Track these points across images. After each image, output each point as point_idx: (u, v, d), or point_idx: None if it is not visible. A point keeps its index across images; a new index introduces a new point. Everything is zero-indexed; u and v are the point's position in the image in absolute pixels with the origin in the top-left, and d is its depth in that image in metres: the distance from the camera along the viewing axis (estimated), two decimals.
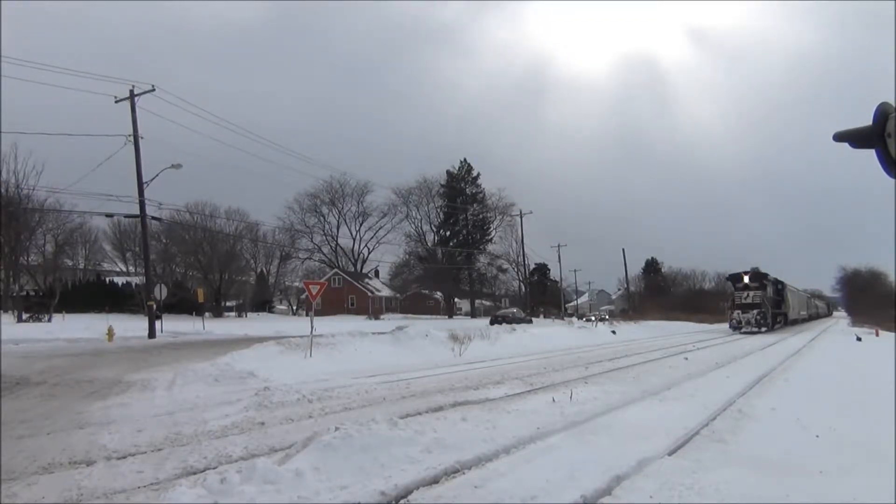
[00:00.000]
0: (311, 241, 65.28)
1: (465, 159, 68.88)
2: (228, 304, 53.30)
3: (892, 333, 29.08)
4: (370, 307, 59.59)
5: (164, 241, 46.68)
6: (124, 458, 5.07)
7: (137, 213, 25.07)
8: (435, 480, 4.35)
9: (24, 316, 31.03)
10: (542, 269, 72.41)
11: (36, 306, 33.00)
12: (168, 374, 10.47)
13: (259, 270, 59.82)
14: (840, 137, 2.46)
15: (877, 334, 29.01)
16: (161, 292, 26.35)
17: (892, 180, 2.31)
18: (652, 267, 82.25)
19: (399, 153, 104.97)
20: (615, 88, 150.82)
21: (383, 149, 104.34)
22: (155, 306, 24.58)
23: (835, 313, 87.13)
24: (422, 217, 68.16)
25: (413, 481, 4.23)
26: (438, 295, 69.95)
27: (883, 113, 2.33)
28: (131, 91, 23.94)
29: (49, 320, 30.70)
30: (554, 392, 8.70)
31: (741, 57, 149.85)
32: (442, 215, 67.84)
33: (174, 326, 27.70)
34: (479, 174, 68.70)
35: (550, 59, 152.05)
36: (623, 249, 68.06)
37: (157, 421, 6.67)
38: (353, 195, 65.22)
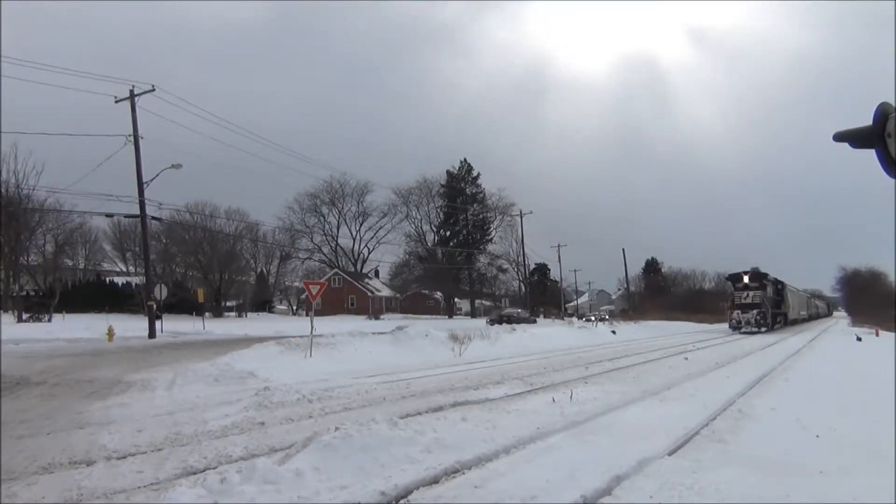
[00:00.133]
0: (311, 241, 65.43)
1: (465, 159, 69.08)
2: (228, 304, 53.31)
3: (892, 333, 29.08)
4: (370, 307, 59.60)
5: (164, 241, 46.70)
6: (124, 458, 5.07)
7: (137, 213, 25.08)
8: (435, 480, 4.35)
9: (24, 316, 31.04)
10: (542, 269, 72.44)
11: (36, 306, 33.00)
12: (168, 374, 10.47)
13: (259, 270, 59.85)
14: (840, 137, 2.46)
15: (877, 334, 29.01)
16: (161, 292, 26.35)
17: (892, 180, 2.31)
18: (652, 267, 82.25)
19: (399, 153, 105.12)
20: (615, 88, 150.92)
21: (383, 149, 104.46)
22: (155, 306, 24.58)
23: (835, 313, 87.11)
24: (422, 217, 68.35)
25: (413, 481, 4.23)
26: (438, 295, 69.97)
27: (883, 113, 2.33)
28: (131, 91, 23.94)
29: (49, 320, 30.71)
30: (554, 392, 8.70)
31: (741, 57, 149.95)
32: (442, 215, 67.95)
33: (174, 326, 27.71)
34: (479, 174, 68.90)
35: (550, 59, 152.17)
36: (623, 249, 68.17)
37: (157, 421, 6.67)
38: (353, 195, 65.38)
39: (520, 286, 67.58)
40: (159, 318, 25.48)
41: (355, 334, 16.35)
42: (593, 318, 47.26)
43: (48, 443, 5.64)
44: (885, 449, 5.16)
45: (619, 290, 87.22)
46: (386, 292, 68.97)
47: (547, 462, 4.86)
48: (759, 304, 33.08)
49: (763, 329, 32.47)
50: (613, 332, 29.45)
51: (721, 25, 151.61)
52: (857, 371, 13.05)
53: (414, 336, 16.81)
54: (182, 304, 39.23)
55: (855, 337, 26.48)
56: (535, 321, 39.74)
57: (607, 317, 55.90)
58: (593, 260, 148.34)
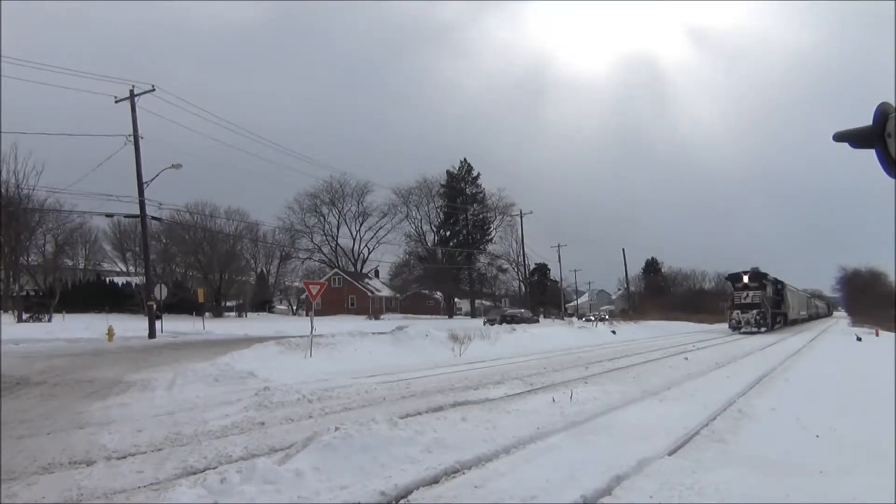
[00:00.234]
0: (311, 241, 65.44)
1: (465, 159, 69.08)
2: (228, 304, 53.31)
3: (892, 333, 29.08)
4: (370, 307, 59.60)
5: (164, 241, 46.69)
6: (124, 458, 5.07)
7: (137, 213, 25.08)
8: (435, 480, 4.35)
9: (24, 316, 31.04)
10: (542, 269, 72.41)
11: (36, 306, 33.00)
12: (168, 374, 10.47)
13: (259, 270, 59.86)
14: (840, 137, 2.46)
15: (877, 334, 29.01)
16: (161, 292, 26.35)
17: (892, 180, 2.31)
18: (652, 267, 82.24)
19: (399, 153, 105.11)
20: (615, 88, 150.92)
21: (383, 149, 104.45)
22: (155, 306, 24.59)
23: (835, 313, 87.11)
24: (422, 217, 68.36)
25: (413, 481, 4.23)
26: (438, 295, 69.97)
27: (883, 113, 2.33)
28: (131, 91, 23.95)
29: (49, 320, 30.71)
30: (554, 392, 8.70)
31: (741, 57, 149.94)
32: (442, 215, 67.97)
33: (174, 326, 27.71)
34: (479, 174, 68.91)
35: (550, 59, 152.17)
36: (623, 249, 68.18)
37: (157, 421, 6.67)
38: (353, 195, 65.39)
39: (520, 286, 67.63)
40: (159, 318, 25.48)
41: (355, 334, 16.35)
42: (593, 318, 47.26)
43: (48, 443, 5.64)
44: (885, 449, 5.16)
45: (619, 290, 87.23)
46: (386, 292, 68.97)
47: (547, 462, 4.86)
48: (759, 304, 33.04)
49: (763, 329, 32.43)
50: (613, 332, 29.45)
51: (721, 25, 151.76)
52: (857, 371, 13.04)
53: (414, 336, 16.81)
54: (182, 304, 39.22)
55: (855, 337, 26.48)
56: (538, 321, 39.90)
57: (607, 317, 55.90)
58: (593, 260, 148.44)
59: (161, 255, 46.35)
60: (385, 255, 78.40)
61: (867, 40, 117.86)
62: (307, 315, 35.18)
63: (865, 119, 2.37)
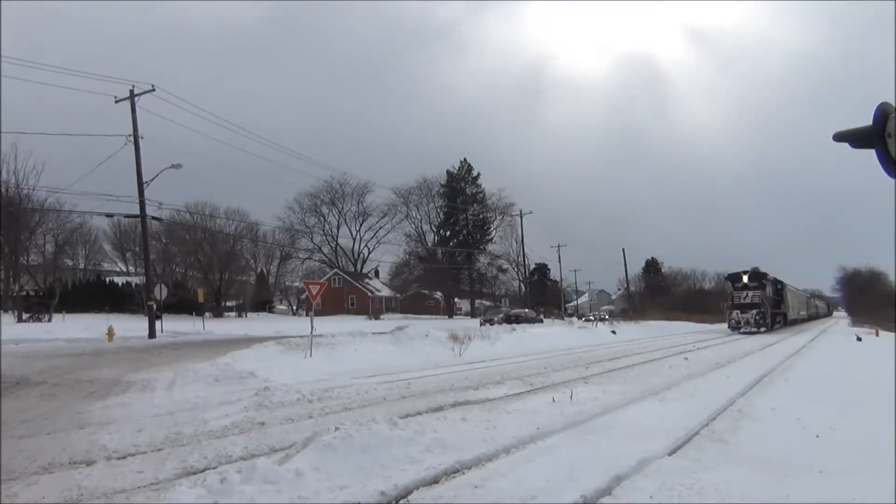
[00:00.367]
0: (311, 241, 65.43)
1: (464, 159, 69.11)
2: (228, 304, 53.31)
3: (892, 333, 29.08)
4: (370, 307, 59.59)
5: (164, 241, 46.67)
6: (124, 458, 5.08)
7: (137, 213, 25.08)
8: (435, 480, 4.35)
9: (24, 316, 31.04)
10: (542, 269, 72.45)
11: (36, 306, 32.99)
12: (168, 374, 10.47)
13: (259, 270, 59.85)
14: (840, 137, 2.46)
15: (877, 334, 29.01)
16: (161, 292, 26.36)
17: (892, 180, 2.30)
18: (652, 267, 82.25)
19: (399, 153, 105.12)
20: (614, 88, 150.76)
21: (383, 149, 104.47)
22: (155, 306, 24.59)
23: (835, 313, 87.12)
24: (422, 217, 68.37)
25: (413, 481, 4.23)
26: (438, 295, 69.95)
27: (883, 113, 2.33)
28: (131, 91, 23.95)
29: (49, 320, 30.71)
30: (554, 392, 8.70)
31: (741, 57, 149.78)
32: (442, 215, 67.98)
33: (174, 326, 27.71)
34: (479, 174, 68.94)
35: (549, 58, 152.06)
36: (623, 249, 68.11)
37: (157, 421, 6.68)
38: (353, 195, 65.36)
39: (520, 286, 67.60)
40: (159, 318, 25.48)
41: (355, 334, 16.35)
42: (593, 318, 47.27)
43: (48, 443, 5.64)
44: (885, 449, 5.16)
45: (619, 290, 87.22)
46: (386, 292, 68.97)
47: (547, 462, 4.86)
48: (759, 304, 32.99)
49: (762, 329, 32.40)
50: (613, 332, 29.46)
51: (720, 25, 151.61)
52: (857, 371, 13.05)
53: (414, 336, 16.80)
54: (182, 304, 39.22)
55: (855, 337, 26.48)
56: (542, 321, 40.06)
57: (607, 317, 55.89)
58: (593, 260, 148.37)
59: (161, 255, 46.34)
60: (385, 255, 78.32)
61: (867, 40, 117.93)
62: (307, 315, 35.16)
63: (865, 119, 2.37)
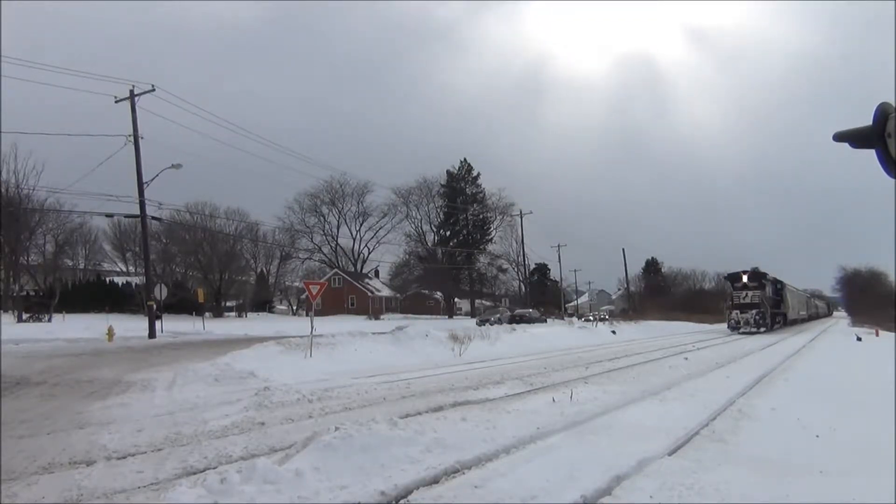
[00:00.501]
0: (311, 241, 65.40)
1: (465, 159, 69.09)
2: (228, 304, 53.30)
3: (892, 333, 29.08)
4: (370, 307, 59.59)
5: (164, 241, 46.67)
6: (124, 458, 5.08)
7: (137, 213, 25.08)
8: (435, 480, 4.35)
9: (24, 316, 31.04)
10: (542, 269, 72.44)
11: (36, 306, 33.00)
12: (168, 374, 10.47)
13: (259, 270, 59.84)
14: (840, 137, 2.46)
15: (877, 334, 29.01)
16: (161, 292, 26.36)
17: (892, 180, 2.30)
18: (652, 267, 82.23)
19: (399, 153, 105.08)
20: (614, 88, 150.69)
21: (383, 149, 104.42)
22: (155, 306, 24.59)
23: (835, 313, 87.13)
24: (422, 217, 68.34)
25: (413, 481, 4.23)
26: (438, 295, 69.95)
27: (883, 113, 2.33)
28: (131, 91, 23.95)
29: (49, 320, 30.71)
30: (554, 392, 8.70)
31: (741, 57, 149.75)
32: (442, 215, 67.96)
33: (174, 326, 27.71)
34: (479, 174, 68.92)
35: (549, 58, 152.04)
36: (623, 249, 68.07)
37: (157, 421, 6.68)
38: (353, 195, 65.32)
39: (520, 286, 67.61)
40: (159, 318, 25.49)
41: (355, 334, 16.35)
42: (593, 318, 47.25)
43: (48, 443, 5.64)
44: (885, 449, 5.16)
45: (619, 290, 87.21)
46: (386, 292, 68.97)
47: (547, 462, 4.86)
48: (758, 303, 32.91)
49: (762, 329, 32.35)
50: (613, 332, 29.46)
51: (720, 25, 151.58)
52: (857, 371, 13.05)
53: (414, 336, 16.80)
54: (182, 304, 39.21)
55: (855, 337, 26.48)
56: (545, 321, 40.18)
57: (607, 317, 55.87)
58: (593, 260, 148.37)
59: (161, 255, 46.33)
60: (385, 255, 78.29)
61: (867, 40, 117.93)
62: (307, 315, 35.16)
63: (865, 119, 2.37)
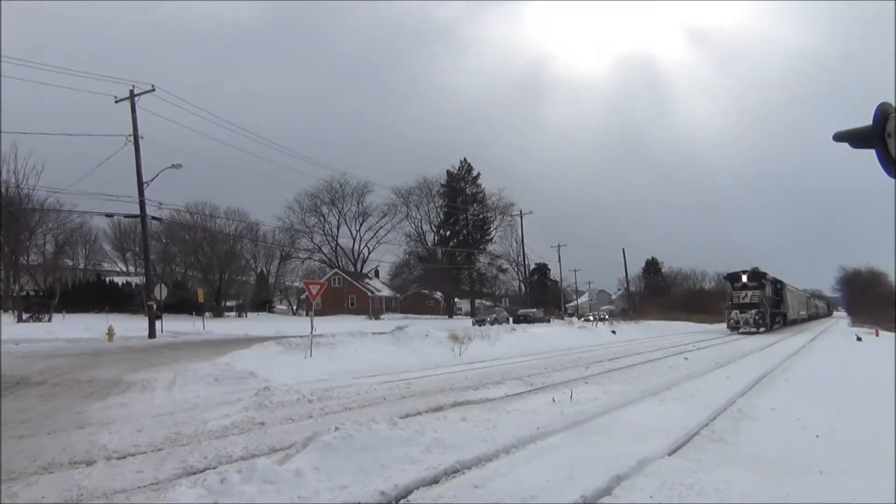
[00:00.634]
0: (311, 241, 65.40)
1: (465, 159, 69.05)
2: (228, 304, 53.29)
3: (892, 333, 29.08)
4: (370, 307, 59.58)
5: (164, 241, 46.65)
6: (124, 458, 5.08)
7: (137, 213, 25.08)
8: (435, 480, 4.35)
9: (24, 316, 31.02)
10: (542, 268, 72.44)
11: (36, 306, 32.98)
12: (168, 374, 10.47)
13: (259, 270, 59.84)
14: (840, 137, 2.46)
15: (877, 334, 29.00)
16: (161, 292, 26.35)
17: (892, 180, 2.30)
18: (652, 267, 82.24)
19: (399, 153, 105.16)
20: (614, 88, 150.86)
21: (383, 149, 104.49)
22: (155, 306, 24.59)
23: (835, 313, 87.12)
24: (422, 217, 68.32)
25: (413, 481, 4.23)
26: (438, 295, 69.95)
27: (883, 113, 2.33)
28: (131, 91, 23.95)
29: (49, 320, 30.70)
30: (554, 392, 8.70)
31: (741, 57, 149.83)
32: (442, 215, 67.95)
33: (174, 326, 27.71)
34: (479, 174, 68.89)
35: (549, 58, 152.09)
36: (623, 249, 68.07)
37: (157, 421, 6.68)
38: (353, 195, 65.31)
39: (520, 286, 67.62)
40: (159, 318, 25.48)
41: (355, 334, 16.35)
42: (592, 318, 47.26)
43: (48, 443, 5.64)
44: (885, 449, 5.16)
45: (619, 290, 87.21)
46: (386, 292, 68.96)
47: (547, 462, 4.86)
48: (758, 303, 32.86)
49: (762, 329, 32.29)
50: (613, 332, 29.47)
51: (720, 25, 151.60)
52: (857, 371, 13.05)
53: (414, 336, 16.80)
54: (182, 304, 39.21)
55: (855, 337, 26.47)
56: (549, 321, 40.27)
57: (607, 317, 55.91)
58: (593, 260, 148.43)
59: (161, 255, 46.32)
60: (385, 255, 78.30)
61: (867, 40, 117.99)
62: (307, 315, 35.15)
63: (865, 119, 2.37)
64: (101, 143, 44.58)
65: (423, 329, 18.06)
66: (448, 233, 67.73)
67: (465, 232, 67.57)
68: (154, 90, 24.15)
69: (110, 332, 20.42)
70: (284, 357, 12.63)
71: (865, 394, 9.13)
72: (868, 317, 46.62)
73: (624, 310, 71.49)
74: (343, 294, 60.23)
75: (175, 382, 9.58)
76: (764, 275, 35.02)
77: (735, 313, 33.23)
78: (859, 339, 25.41)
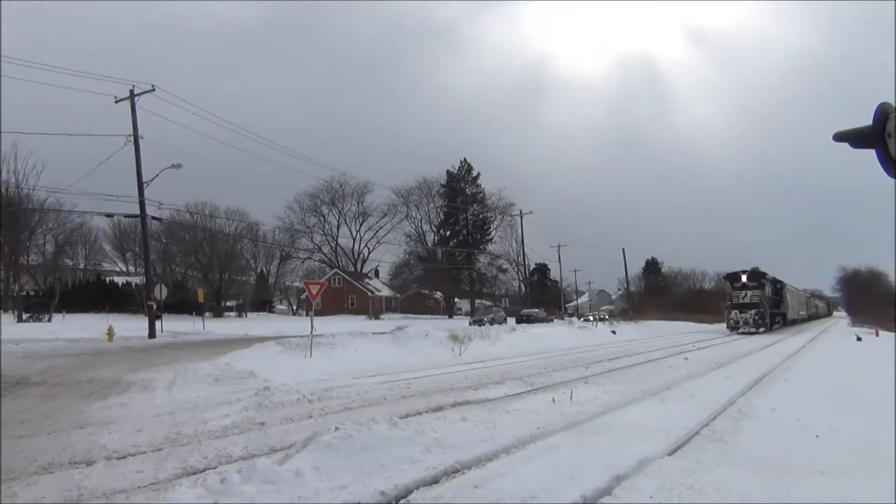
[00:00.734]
0: (311, 241, 65.42)
1: (464, 159, 69.10)
2: (228, 304, 53.29)
3: (892, 333, 29.07)
4: (370, 307, 59.59)
5: (164, 241, 46.65)
6: (124, 458, 5.08)
7: (137, 213, 25.08)
8: (435, 480, 4.35)
9: (24, 316, 31.02)
10: (542, 269, 72.48)
11: (36, 306, 32.98)
12: (168, 374, 10.47)
13: (259, 270, 59.84)
14: (840, 137, 2.46)
15: (877, 334, 29.00)
16: (161, 292, 26.35)
17: (892, 180, 2.30)
18: (652, 267, 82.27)
19: (399, 153, 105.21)
20: (614, 88, 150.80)
21: (383, 149, 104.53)
22: (155, 306, 24.58)
23: (835, 313, 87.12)
24: (422, 217, 68.37)
25: (413, 481, 4.23)
26: (438, 295, 69.96)
27: (883, 113, 2.33)
28: (131, 91, 23.95)
29: (49, 320, 30.70)
30: (554, 392, 8.70)
31: (741, 57, 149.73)
32: (442, 215, 67.99)
33: (174, 326, 27.71)
34: (478, 174, 68.94)
35: (549, 58, 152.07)
36: (623, 249, 68.09)
37: (157, 421, 6.68)
38: (353, 195, 65.35)
39: (520, 286, 67.63)
40: (159, 318, 25.48)
41: (355, 334, 16.35)
42: (592, 318, 47.27)
43: (48, 443, 5.64)
44: (885, 449, 5.16)
45: (619, 290, 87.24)
46: (386, 292, 68.97)
47: (547, 462, 4.86)
48: (758, 303, 32.81)
49: (761, 329, 32.27)
50: (613, 332, 29.47)
51: (720, 25, 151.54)
52: (857, 371, 13.05)
53: (414, 336, 16.80)
54: (182, 304, 39.20)
55: (855, 337, 26.47)
56: (552, 321, 40.36)
57: (607, 317, 55.93)
58: (593, 260, 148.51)
59: (161, 255, 46.31)
60: (385, 255, 78.32)
61: (867, 40, 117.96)
62: (307, 315, 35.14)
63: (865, 119, 2.37)
64: (101, 143, 44.65)
65: (423, 329, 18.07)
66: (448, 233, 67.75)
67: (465, 232, 67.59)
68: (154, 90, 24.18)
69: (110, 332, 20.42)
70: (284, 357, 12.64)
71: (865, 394, 9.13)
72: (868, 317, 46.62)
73: (624, 310, 71.51)
74: (343, 294, 60.24)
75: (175, 382, 9.58)
76: (764, 275, 35.00)
77: (735, 313, 33.19)
78: (859, 339, 25.41)
